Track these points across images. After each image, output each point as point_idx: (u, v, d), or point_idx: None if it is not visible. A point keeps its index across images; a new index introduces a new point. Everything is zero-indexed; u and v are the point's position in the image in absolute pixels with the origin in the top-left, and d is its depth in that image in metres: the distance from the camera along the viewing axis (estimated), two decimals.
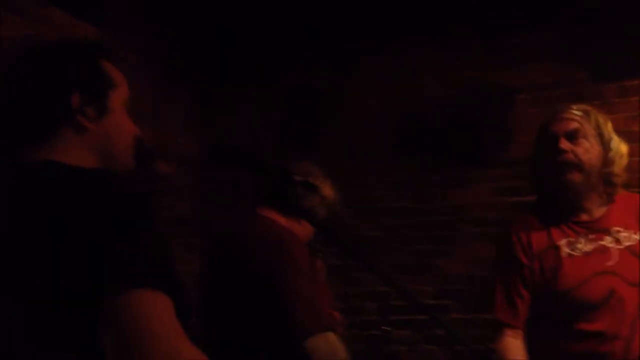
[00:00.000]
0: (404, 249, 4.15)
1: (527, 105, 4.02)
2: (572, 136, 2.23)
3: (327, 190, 2.34)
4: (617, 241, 2.21)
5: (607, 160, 2.23)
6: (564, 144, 2.21)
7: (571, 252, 2.21)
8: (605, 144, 2.23)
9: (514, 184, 3.91)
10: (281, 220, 2.27)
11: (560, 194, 2.25)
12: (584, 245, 2.22)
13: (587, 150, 2.21)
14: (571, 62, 3.93)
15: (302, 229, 2.30)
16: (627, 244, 2.21)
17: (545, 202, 2.30)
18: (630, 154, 2.40)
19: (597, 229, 2.24)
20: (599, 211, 2.26)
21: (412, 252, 4.15)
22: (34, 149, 1.28)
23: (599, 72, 3.87)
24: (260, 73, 4.49)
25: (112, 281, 1.09)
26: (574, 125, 2.23)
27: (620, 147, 2.26)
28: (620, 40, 3.77)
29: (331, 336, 2.04)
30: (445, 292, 4.05)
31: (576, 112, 2.26)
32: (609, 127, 2.27)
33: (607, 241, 2.22)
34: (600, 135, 2.24)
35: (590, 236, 2.23)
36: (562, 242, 2.22)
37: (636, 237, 2.21)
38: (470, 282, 3.96)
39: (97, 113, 1.32)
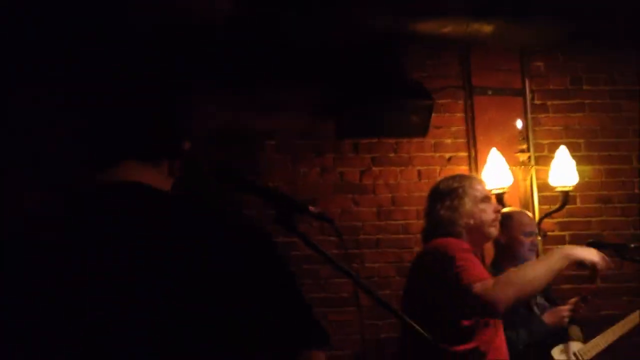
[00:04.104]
0: None
1: (273, 151, 4.29)
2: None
3: None
4: None
5: None
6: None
7: None
8: None
9: None
10: None
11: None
12: None
13: None
14: (316, 116, 4.29)
15: None
16: None
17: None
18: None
19: None
20: None
21: None
22: (119, 168, 1.27)
23: (339, 129, 4.30)
24: None
25: (306, 337, 1.27)
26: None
27: None
28: (361, 105, 4.22)
29: None
30: None
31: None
32: None
33: None
34: None
35: None
36: None
37: None
38: None
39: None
